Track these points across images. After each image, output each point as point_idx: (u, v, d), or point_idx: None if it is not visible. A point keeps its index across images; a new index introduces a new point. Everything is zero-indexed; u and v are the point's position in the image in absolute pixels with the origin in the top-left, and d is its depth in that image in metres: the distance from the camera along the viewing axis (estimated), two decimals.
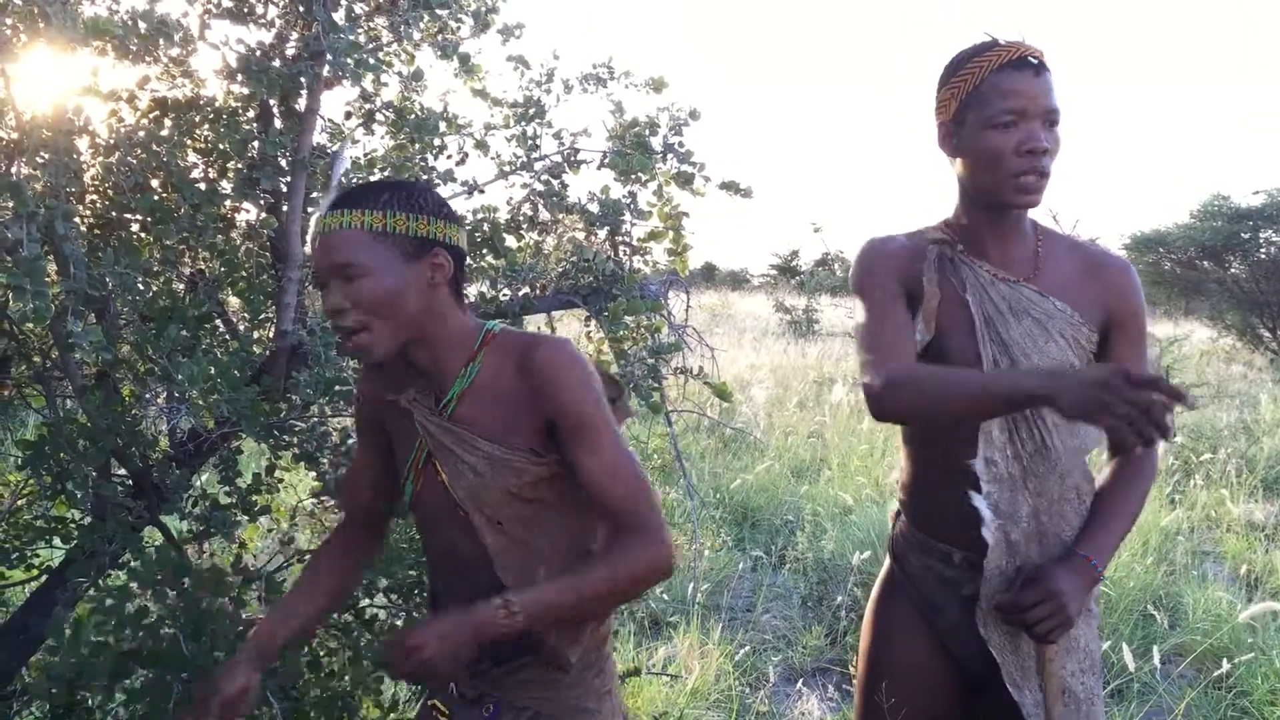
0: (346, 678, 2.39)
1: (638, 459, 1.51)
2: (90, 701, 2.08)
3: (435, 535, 1.64)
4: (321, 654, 2.41)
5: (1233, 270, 15.61)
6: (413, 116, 2.65)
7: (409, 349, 1.54)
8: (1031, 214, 1.81)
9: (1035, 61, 1.68)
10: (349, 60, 2.17)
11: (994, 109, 1.68)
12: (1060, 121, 1.69)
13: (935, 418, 1.77)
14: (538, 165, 2.81)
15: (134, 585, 2.07)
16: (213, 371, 2.02)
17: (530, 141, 2.80)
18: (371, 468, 1.74)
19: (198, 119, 2.39)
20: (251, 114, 2.43)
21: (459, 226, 1.58)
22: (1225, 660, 3.45)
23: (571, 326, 3.49)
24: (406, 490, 1.64)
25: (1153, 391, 1.32)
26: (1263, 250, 15.17)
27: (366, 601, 2.53)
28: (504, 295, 2.73)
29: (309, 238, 1.60)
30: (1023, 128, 1.67)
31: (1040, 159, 1.67)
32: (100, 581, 2.30)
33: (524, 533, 1.55)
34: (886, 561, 2.00)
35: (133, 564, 2.25)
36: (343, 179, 1.73)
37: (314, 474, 2.40)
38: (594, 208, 2.77)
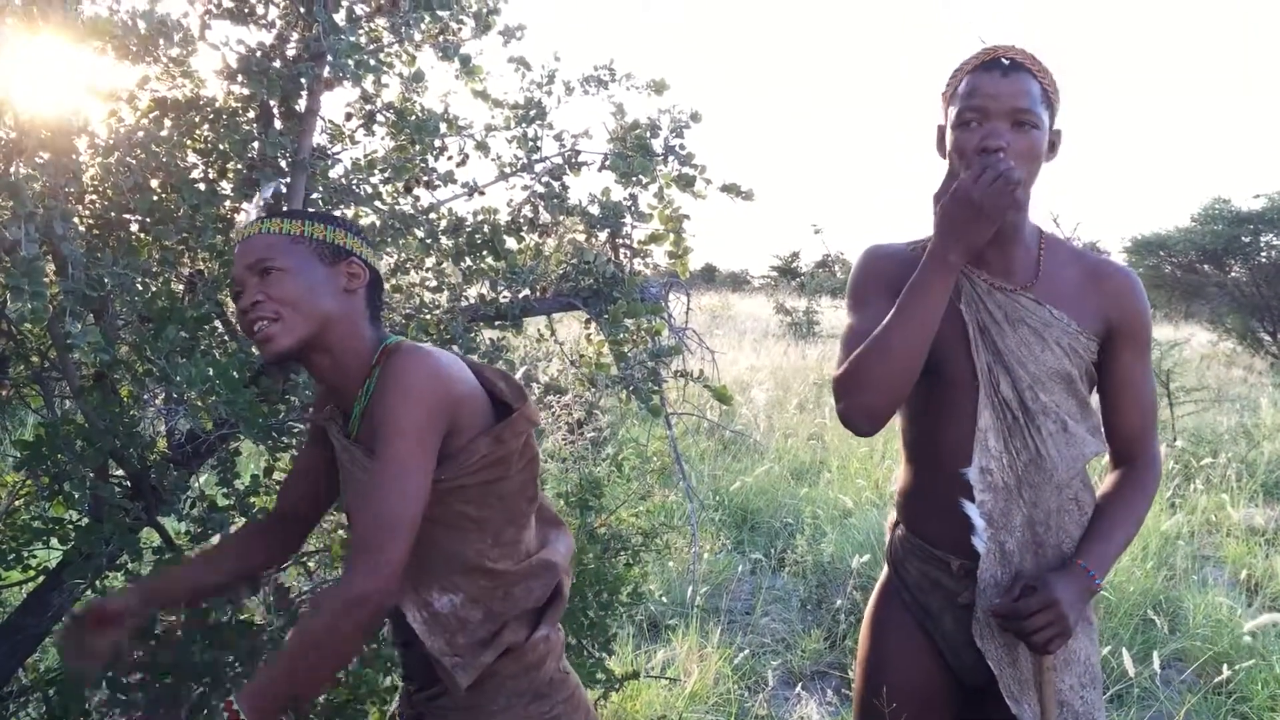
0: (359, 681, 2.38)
1: (415, 484, 1.42)
2: (89, 704, 2.08)
3: None
4: None
5: (1233, 274, 15.61)
6: (413, 118, 2.64)
7: (312, 356, 1.54)
8: (1033, 219, 1.81)
9: (1006, 63, 1.68)
10: (349, 61, 2.17)
11: (960, 108, 1.70)
12: (1037, 124, 1.67)
13: (899, 381, 1.70)
14: (538, 167, 2.80)
15: None
16: (211, 373, 2.01)
17: (531, 143, 2.80)
18: (307, 474, 1.74)
19: (198, 119, 2.38)
20: (251, 115, 2.43)
21: (375, 252, 1.64)
22: (1225, 666, 3.44)
23: (572, 328, 3.49)
24: None
25: (983, 156, 1.63)
26: (1263, 254, 15.17)
27: None
28: (504, 297, 2.72)
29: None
30: (985, 127, 1.67)
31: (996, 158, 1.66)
32: (97, 583, 2.29)
33: (417, 550, 1.50)
34: (885, 569, 1.99)
35: (129, 566, 2.24)
36: (265, 201, 1.75)
37: None
38: (595, 210, 2.76)
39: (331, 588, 1.38)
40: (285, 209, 1.58)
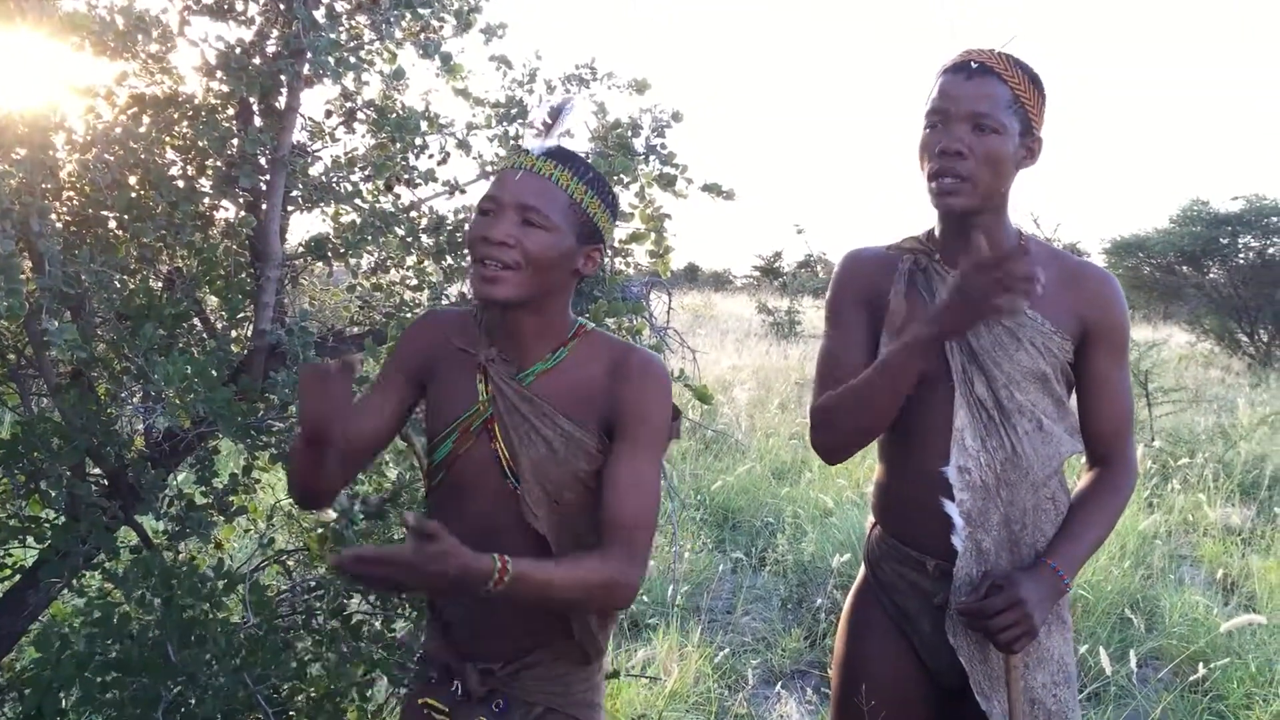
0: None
1: (659, 485, 1.53)
2: (65, 703, 2.07)
3: (468, 500, 1.60)
4: (308, 658, 2.40)
5: (1211, 275, 15.73)
6: (394, 115, 2.64)
7: (519, 314, 1.55)
8: (1012, 220, 1.81)
9: (974, 66, 1.69)
10: (329, 58, 2.16)
11: (926, 110, 1.73)
12: (999, 129, 1.67)
13: (871, 430, 1.81)
14: None
15: (117, 592, 2.06)
16: (189, 371, 2.00)
17: (512, 142, 2.79)
18: (379, 411, 1.64)
19: (176, 116, 2.37)
20: (231, 111, 2.42)
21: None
22: (1202, 665, 3.47)
23: None
24: (443, 449, 1.61)
25: (1003, 265, 1.53)
26: (1241, 255, 15.29)
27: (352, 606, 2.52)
28: None
29: (503, 166, 1.60)
30: (945, 129, 1.68)
31: (953, 160, 1.66)
32: (74, 582, 2.28)
33: (577, 516, 1.56)
34: (862, 570, 1.99)
35: (106, 565, 2.23)
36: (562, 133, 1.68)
37: None
38: None
39: (614, 567, 1.46)
40: (578, 160, 1.55)
